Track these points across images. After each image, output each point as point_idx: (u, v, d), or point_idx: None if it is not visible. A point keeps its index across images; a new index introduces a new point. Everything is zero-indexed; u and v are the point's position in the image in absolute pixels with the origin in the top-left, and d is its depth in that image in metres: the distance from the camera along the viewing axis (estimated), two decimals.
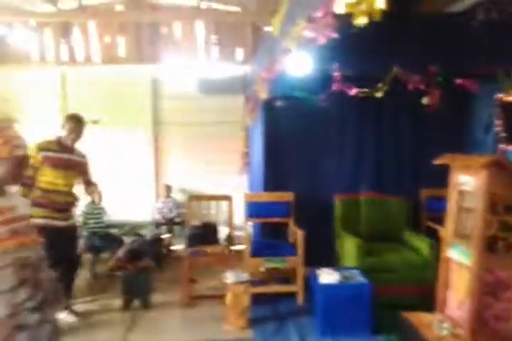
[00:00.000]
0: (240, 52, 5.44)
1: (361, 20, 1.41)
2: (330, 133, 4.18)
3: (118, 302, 3.73)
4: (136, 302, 3.69)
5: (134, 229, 5.29)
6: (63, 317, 3.27)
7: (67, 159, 3.32)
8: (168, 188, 5.55)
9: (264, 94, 3.54)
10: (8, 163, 1.81)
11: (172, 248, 5.37)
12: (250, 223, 4.34)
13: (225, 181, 5.61)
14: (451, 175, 2.48)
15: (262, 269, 3.93)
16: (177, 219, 5.50)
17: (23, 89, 5.64)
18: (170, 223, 5.43)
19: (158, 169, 5.80)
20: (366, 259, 3.48)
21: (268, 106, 3.95)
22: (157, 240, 4.81)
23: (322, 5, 1.68)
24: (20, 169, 1.89)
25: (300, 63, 2.54)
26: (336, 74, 3.24)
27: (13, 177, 1.88)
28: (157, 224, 5.42)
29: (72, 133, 3.33)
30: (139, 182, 5.75)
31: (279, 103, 3.66)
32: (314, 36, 1.80)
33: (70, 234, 3.42)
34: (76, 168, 3.41)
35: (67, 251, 3.34)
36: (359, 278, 3.18)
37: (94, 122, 5.58)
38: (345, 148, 4.24)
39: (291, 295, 3.74)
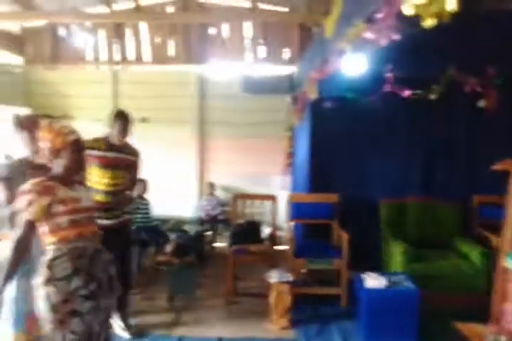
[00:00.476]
0: (286, 53, 5.44)
1: (429, 22, 1.38)
2: (378, 135, 4.11)
3: (163, 295, 3.84)
4: (181, 296, 3.78)
5: (177, 224, 5.41)
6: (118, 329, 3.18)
7: (114, 158, 3.18)
8: (212, 186, 5.63)
9: (313, 95, 3.52)
10: (66, 152, 1.94)
11: (214, 245, 5.46)
12: (292, 223, 4.34)
13: (268, 181, 5.64)
14: (511, 181, 2.38)
15: (303, 270, 3.93)
16: (220, 217, 5.58)
17: (79, 87, 5.88)
18: (213, 220, 5.50)
19: (203, 167, 5.89)
20: (413, 265, 3.41)
21: (316, 107, 3.93)
22: (201, 236, 4.90)
23: (385, 6, 1.66)
24: (78, 153, 2.00)
25: (355, 64, 2.51)
26: (389, 75, 3.18)
27: (76, 163, 2.00)
28: (200, 221, 5.52)
29: (120, 131, 3.19)
30: (184, 179, 5.87)
31: (328, 104, 3.64)
32: (374, 38, 1.78)
33: (120, 231, 3.24)
34: (124, 166, 3.25)
35: (120, 247, 3.13)
36: (407, 283, 3.11)
37: (143, 120, 5.76)
38: (393, 150, 4.15)
39: (334, 298, 3.72)
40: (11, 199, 2.01)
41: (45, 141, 1.92)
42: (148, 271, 4.58)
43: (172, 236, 4.65)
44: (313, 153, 4.17)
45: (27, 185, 1.86)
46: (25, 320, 2.10)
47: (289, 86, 5.15)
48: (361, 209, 4.11)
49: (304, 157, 4.40)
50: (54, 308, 1.83)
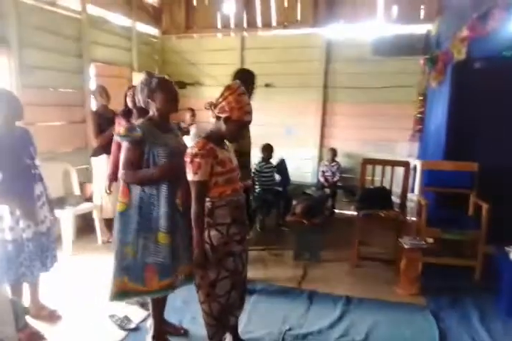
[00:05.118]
0: (423, 10, 5.03)
1: None
2: None
3: (287, 253, 4.05)
4: (306, 256, 3.94)
5: (298, 188, 5.54)
6: None
7: None
8: (334, 152, 5.60)
9: (460, 55, 3.27)
10: (235, 125, 2.06)
11: (334, 210, 5.52)
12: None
13: (393, 148, 5.45)
14: None
15: (430, 240, 3.81)
16: (340, 184, 5.58)
17: (209, 55, 6.16)
18: (332, 186, 5.53)
19: (325, 132, 5.88)
20: None
21: (461, 68, 3.62)
22: (324, 201, 4.97)
23: None
24: (241, 131, 2.14)
25: None
26: None
27: (236, 136, 2.15)
28: (320, 187, 5.58)
29: None
30: (305, 144, 5.94)
31: (478, 65, 3.32)
32: None
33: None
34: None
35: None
36: None
37: (267, 85, 5.88)
38: None
39: (464, 270, 3.58)
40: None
41: (226, 105, 2.01)
42: (270, 231, 4.83)
43: (295, 199, 4.81)
44: (451, 119, 3.89)
45: (193, 149, 2.01)
46: (144, 271, 2.26)
47: (424, 47, 4.82)
48: (502, 180, 3.78)
49: (439, 123, 4.14)
50: (215, 249, 2.09)
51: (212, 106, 2.06)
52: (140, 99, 2.27)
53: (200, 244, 2.05)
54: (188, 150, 2.03)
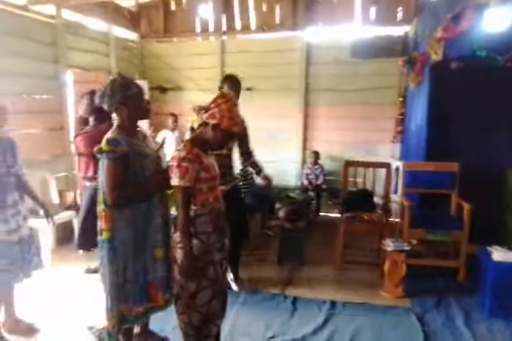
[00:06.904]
0: (400, 12, 5.07)
1: None
2: (509, 100, 3.70)
3: (273, 257, 4.00)
4: (290, 260, 3.90)
5: (281, 192, 5.51)
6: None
7: None
8: (316, 155, 5.59)
9: (437, 56, 3.28)
10: (222, 133, 2.00)
11: (318, 213, 5.50)
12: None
13: (376, 150, 5.46)
14: None
15: (414, 241, 3.81)
16: (323, 186, 5.57)
17: (189, 59, 6.11)
18: (316, 189, 5.52)
19: (307, 135, 5.86)
20: None
21: (438, 69, 3.64)
22: (308, 204, 4.95)
23: None
24: (227, 141, 2.11)
25: (498, 19, 2.26)
26: None
27: (220, 145, 2.10)
28: (304, 189, 5.57)
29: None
30: (288, 147, 5.92)
31: (454, 65, 3.33)
32: None
33: (234, 195, 3.31)
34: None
35: (236, 212, 3.12)
36: None
37: (248, 89, 5.85)
38: None
39: (448, 271, 3.57)
40: None
41: (218, 112, 1.94)
42: (256, 235, 4.77)
43: (278, 203, 4.76)
44: (431, 120, 3.91)
45: (181, 153, 1.93)
46: (148, 290, 2.19)
47: (402, 48, 4.85)
48: (483, 180, 3.79)
49: (419, 124, 4.16)
50: (196, 258, 2.00)
51: (203, 110, 1.99)
52: (106, 104, 2.12)
53: (189, 253, 1.97)
54: (175, 154, 1.96)
